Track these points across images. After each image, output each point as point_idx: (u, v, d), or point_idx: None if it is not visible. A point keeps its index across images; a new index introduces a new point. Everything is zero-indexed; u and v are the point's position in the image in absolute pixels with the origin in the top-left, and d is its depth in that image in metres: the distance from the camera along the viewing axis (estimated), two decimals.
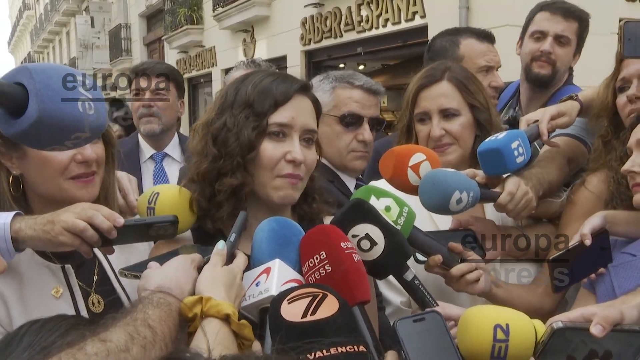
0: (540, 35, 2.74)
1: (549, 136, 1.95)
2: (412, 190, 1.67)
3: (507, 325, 1.18)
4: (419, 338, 1.19)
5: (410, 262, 1.48)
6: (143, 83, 3.17)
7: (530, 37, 2.78)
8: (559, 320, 1.17)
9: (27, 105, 0.90)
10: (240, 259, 1.30)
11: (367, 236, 1.37)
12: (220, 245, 1.30)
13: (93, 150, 1.58)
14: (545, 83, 2.74)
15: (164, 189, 1.55)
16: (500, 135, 1.78)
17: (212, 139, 1.50)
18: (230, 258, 1.30)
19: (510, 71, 2.97)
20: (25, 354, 1.06)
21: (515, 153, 1.74)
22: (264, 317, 1.22)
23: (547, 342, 1.16)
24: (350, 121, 2.38)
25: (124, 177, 1.84)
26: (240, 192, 1.50)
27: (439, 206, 1.61)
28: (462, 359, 1.19)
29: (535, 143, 2.35)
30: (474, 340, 1.20)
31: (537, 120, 1.95)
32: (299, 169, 1.49)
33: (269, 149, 1.48)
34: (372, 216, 1.40)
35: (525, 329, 1.19)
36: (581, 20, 2.74)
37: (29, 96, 0.90)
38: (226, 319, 1.14)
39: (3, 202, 1.53)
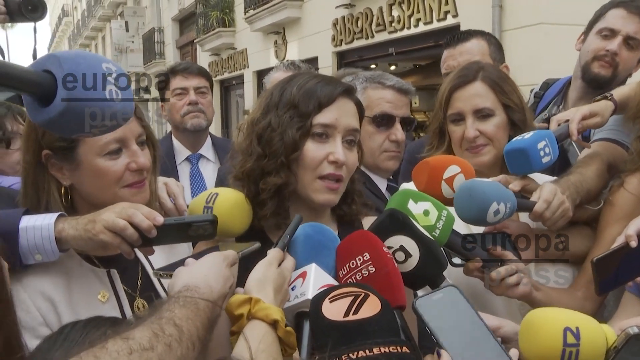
0: (609, 34, 2.53)
1: (580, 136, 1.91)
2: (445, 202, 1.64)
3: (577, 328, 1.12)
4: (441, 313, 1.16)
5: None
6: (186, 82, 3.25)
7: (597, 33, 2.58)
8: (634, 326, 1.11)
9: (55, 94, 0.90)
10: (290, 262, 1.29)
11: (402, 248, 1.37)
12: (278, 246, 1.31)
13: (145, 157, 1.61)
14: (602, 85, 2.53)
15: (223, 189, 1.57)
16: (527, 135, 1.77)
17: (257, 138, 1.53)
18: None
19: (544, 69, 2.91)
20: (73, 349, 1.04)
21: (542, 153, 1.73)
22: (300, 321, 1.22)
23: (621, 349, 1.10)
24: (383, 121, 2.39)
25: (172, 183, 1.88)
26: (283, 191, 1.52)
27: (477, 218, 1.59)
28: (488, 327, 1.16)
29: (575, 147, 2.29)
30: (543, 345, 1.14)
31: (568, 120, 1.91)
32: (340, 169, 1.51)
33: (312, 149, 1.50)
34: (407, 227, 1.39)
35: (596, 333, 1.14)
36: None
37: (57, 84, 0.90)
38: (273, 324, 1.13)
39: (56, 211, 1.54)
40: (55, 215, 1.43)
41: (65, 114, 0.90)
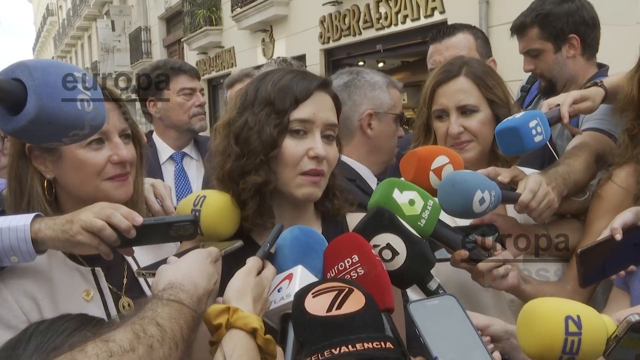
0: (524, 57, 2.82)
1: (570, 121, 1.91)
2: (433, 193, 1.62)
3: (578, 317, 1.09)
4: (434, 319, 1.14)
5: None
6: (192, 83, 3.25)
7: None
8: (635, 314, 1.09)
9: (25, 102, 0.88)
10: (269, 271, 1.27)
11: (389, 246, 1.35)
12: (258, 255, 1.28)
13: (128, 151, 1.59)
14: (550, 92, 2.73)
15: (211, 192, 1.54)
16: (518, 114, 1.76)
17: (234, 138, 1.51)
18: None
19: None
20: (33, 358, 1.03)
21: (534, 132, 1.72)
22: (286, 323, 1.20)
23: (622, 337, 1.07)
24: (402, 121, 2.46)
25: (159, 184, 1.86)
26: (264, 189, 1.49)
27: (462, 208, 1.56)
28: (481, 338, 1.14)
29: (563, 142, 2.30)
30: (544, 334, 1.10)
31: (559, 105, 1.91)
32: (321, 164, 1.49)
33: (290, 146, 1.48)
34: (394, 225, 1.37)
35: (597, 322, 1.11)
36: (541, 22, 2.68)
37: (27, 93, 0.88)
38: (252, 332, 1.11)
39: (38, 206, 1.54)
40: (31, 215, 1.40)
41: (35, 123, 0.89)
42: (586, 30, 2.67)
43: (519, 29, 2.76)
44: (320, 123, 1.50)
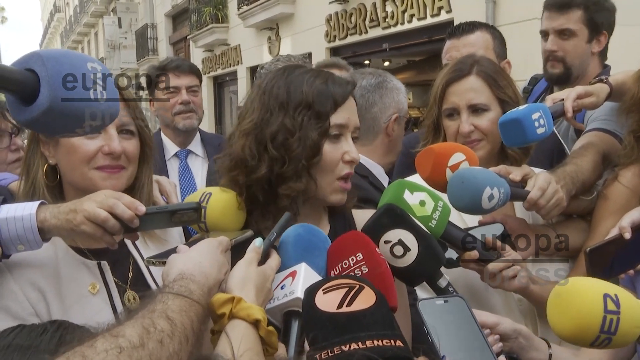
0: (545, 35, 2.71)
1: (575, 116, 1.91)
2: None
3: (616, 295, 1.05)
4: (442, 318, 1.15)
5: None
6: (178, 81, 3.23)
7: (542, 38, 2.76)
8: None
9: (38, 93, 0.88)
10: (274, 261, 1.27)
11: (400, 242, 1.35)
12: (258, 243, 1.27)
13: (122, 144, 1.58)
14: (562, 80, 2.66)
15: (217, 190, 1.54)
16: (521, 107, 1.76)
17: (271, 142, 1.45)
18: (264, 257, 1.27)
19: (538, 64, 2.91)
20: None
21: (536, 124, 1.71)
22: (289, 320, 1.20)
23: None
24: (407, 124, 2.55)
25: (164, 181, 1.86)
26: (303, 196, 1.48)
27: (471, 205, 1.56)
28: (488, 341, 1.14)
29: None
30: (582, 311, 1.05)
31: (563, 100, 1.91)
32: (353, 168, 1.51)
33: (329, 151, 1.47)
34: (405, 221, 1.37)
35: (634, 303, 1.07)
36: (586, 6, 2.63)
37: (41, 83, 0.88)
38: (255, 323, 1.10)
39: (38, 191, 1.55)
40: (36, 204, 1.40)
41: (48, 114, 0.88)
42: (610, 33, 2.65)
43: (563, 5, 2.65)
44: (352, 127, 1.51)
